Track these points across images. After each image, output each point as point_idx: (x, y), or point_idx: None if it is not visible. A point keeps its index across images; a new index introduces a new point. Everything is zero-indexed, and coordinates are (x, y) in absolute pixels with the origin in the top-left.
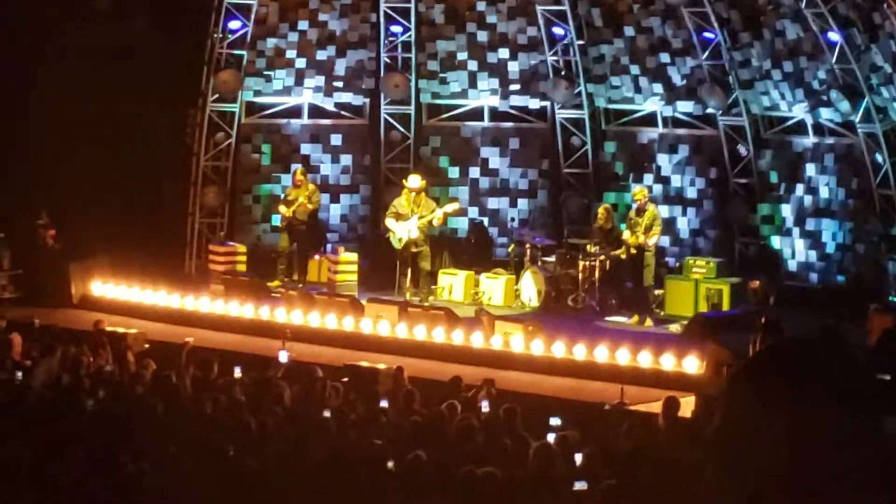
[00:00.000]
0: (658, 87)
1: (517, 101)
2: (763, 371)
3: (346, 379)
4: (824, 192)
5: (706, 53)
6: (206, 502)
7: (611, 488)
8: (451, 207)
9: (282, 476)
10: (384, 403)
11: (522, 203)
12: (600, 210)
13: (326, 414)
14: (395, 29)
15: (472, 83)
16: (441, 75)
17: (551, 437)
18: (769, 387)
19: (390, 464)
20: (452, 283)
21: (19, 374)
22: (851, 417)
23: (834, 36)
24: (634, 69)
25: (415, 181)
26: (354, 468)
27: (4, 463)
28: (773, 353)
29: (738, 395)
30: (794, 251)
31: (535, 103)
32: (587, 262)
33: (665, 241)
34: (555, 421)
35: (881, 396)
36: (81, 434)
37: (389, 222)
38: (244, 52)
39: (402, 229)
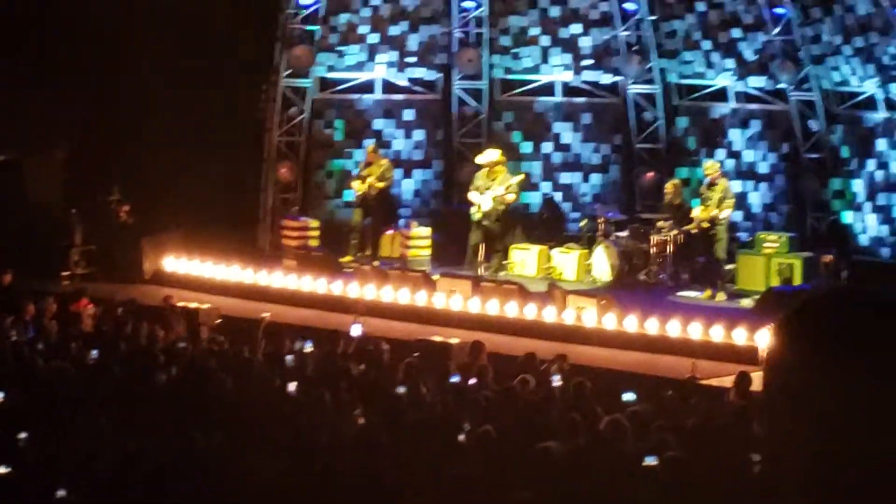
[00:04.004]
0: (730, 63)
1: (589, 76)
2: (804, 323)
3: (416, 354)
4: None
5: (777, 29)
6: (277, 476)
7: (676, 461)
8: (516, 179)
9: (352, 449)
10: (456, 378)
11: (595, 178)
12: (668, 186)
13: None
14: (468, 4)
15: (545, 58)
16: (514, 51)
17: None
18: (811, 338)
19: (461, 437)
20: (525, 258)
21: (94, 352)
22: None
23: None
24: (706, 44)
25: (485, 156)
26: (425, 441)
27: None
28: (815, 304)
29: (781, 348)
30: (866, 226)
31: (607, 78)
32: (659, 237)
33: (737, 215)
34: (629, 396)
35: None
36: (155, 409)
37: (471, 196)
38: (317, 28)
39: (482, 201)
